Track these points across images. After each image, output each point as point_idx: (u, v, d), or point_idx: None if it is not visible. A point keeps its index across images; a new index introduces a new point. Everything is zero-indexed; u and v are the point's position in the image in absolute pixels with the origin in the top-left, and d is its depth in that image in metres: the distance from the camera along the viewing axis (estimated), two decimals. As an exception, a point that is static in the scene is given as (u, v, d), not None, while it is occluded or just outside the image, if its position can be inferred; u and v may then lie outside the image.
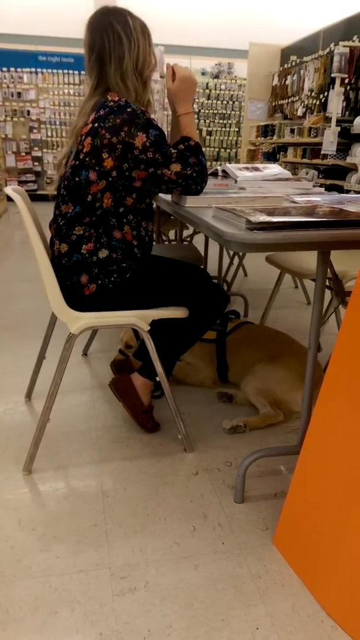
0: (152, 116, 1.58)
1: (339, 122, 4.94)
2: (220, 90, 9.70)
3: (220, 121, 9.85)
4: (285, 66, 6.70)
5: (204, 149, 1.67)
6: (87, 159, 1.54)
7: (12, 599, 1.21)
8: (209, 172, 1.87)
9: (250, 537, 1.42)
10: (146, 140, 1.51)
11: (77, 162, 1.57)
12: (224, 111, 9.86)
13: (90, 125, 1.55)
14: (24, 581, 1.26)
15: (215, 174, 2.29)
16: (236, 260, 4.01)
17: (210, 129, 9.84)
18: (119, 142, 1.51)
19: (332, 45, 5.27)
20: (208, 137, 9.85)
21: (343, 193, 2.78)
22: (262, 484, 1.64)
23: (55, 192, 1.68)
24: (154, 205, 2.19)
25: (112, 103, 1.54)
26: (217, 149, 9.94)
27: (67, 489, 1.60)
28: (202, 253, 3.11)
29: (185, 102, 1.69)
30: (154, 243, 1.77)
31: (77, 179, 1.57)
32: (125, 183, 1.57)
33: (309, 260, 2.41)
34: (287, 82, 6.57)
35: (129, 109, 1.52)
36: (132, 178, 1.57)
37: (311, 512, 1.28)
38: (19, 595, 1.22)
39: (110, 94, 1.58)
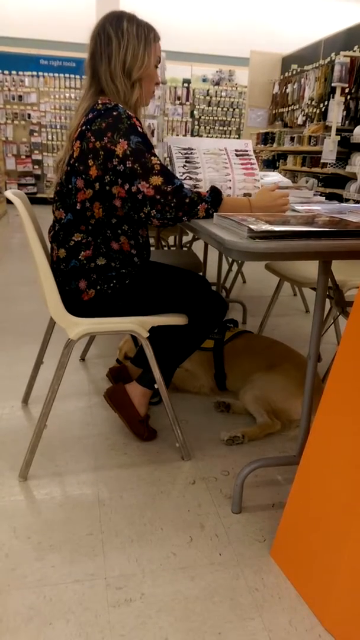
0: (147, 118, 1.56)
1: (338, 131, 4.97)
2: (221, 97, 9.75)
3: (221, 128, 9.89)
4: (286, 75, 6.73)
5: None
6: (76, 164, 1.54)
7: (6, 609, 1.19)
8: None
9: (247, 548, 1.40)
10: (127, 148, 1.48)
11: (68, 168, 1.57)
12: (224, 118, 9.90)
13: (80, 129, 1.55)
14: (18, 591, 1.24)
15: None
16: (235, 267, 4.01)
17: (210, 135, 9.88)
18: (102, 148, 1.49)
19: (332, 54, 5.29)
20: (208, 144, 9.89)
21: (342, 202, 2.79)
22: (260, 494, 1.62)
23: (53, 196, 1.67)
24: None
25: (100, 106, 1.54)
26: (216, 156, 9.97)
27: (63, 496, 1.58)
28: (202, 259, 3.10)
29: (259, 209, 1.60)
30: (153, 249, 1.76)
31: (69, 185, 1.57)
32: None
33: (308, 268, 2.41)
34: (288, 90, 6.60)
35: (114, 112, 1.51)
36: (112, 195, 1.55)
37: (310, 524, 1.27)
38: (13, 605, 1.20)
39: (101, 98, 1.57)
